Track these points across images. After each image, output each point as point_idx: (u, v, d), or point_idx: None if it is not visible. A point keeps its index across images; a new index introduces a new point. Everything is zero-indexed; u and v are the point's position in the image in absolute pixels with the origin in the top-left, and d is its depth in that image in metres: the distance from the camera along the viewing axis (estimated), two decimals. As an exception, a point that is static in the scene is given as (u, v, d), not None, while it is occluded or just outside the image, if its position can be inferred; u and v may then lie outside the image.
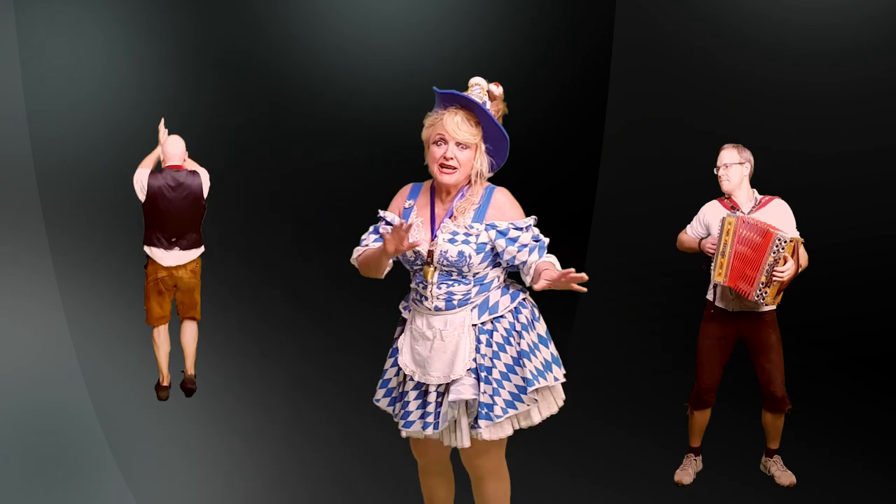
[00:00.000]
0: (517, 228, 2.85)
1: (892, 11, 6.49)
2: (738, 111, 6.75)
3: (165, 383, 5.23)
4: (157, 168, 5.22)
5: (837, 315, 6.20)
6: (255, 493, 4.13)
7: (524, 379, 2.90)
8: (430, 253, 2.85)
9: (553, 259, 2.89)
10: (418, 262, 2.88)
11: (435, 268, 2.85)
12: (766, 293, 3.78)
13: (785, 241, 3.73)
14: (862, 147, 6.59)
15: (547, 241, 2.90)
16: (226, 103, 8.46)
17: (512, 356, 2.92)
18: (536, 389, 2.93)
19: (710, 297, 4.14)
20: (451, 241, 2.84)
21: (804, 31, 6.69)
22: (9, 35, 7.36)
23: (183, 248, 5.13)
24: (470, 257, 2.82)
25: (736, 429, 4.73)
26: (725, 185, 4.09)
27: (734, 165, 4.07)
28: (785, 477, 4.20)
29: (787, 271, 3.71)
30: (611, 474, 4.33)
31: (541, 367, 2.94)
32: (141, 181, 5.11)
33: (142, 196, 5.11)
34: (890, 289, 6.33)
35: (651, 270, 6.56)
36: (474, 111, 2.81)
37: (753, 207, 4.05)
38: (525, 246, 2.84)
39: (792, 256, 3.74)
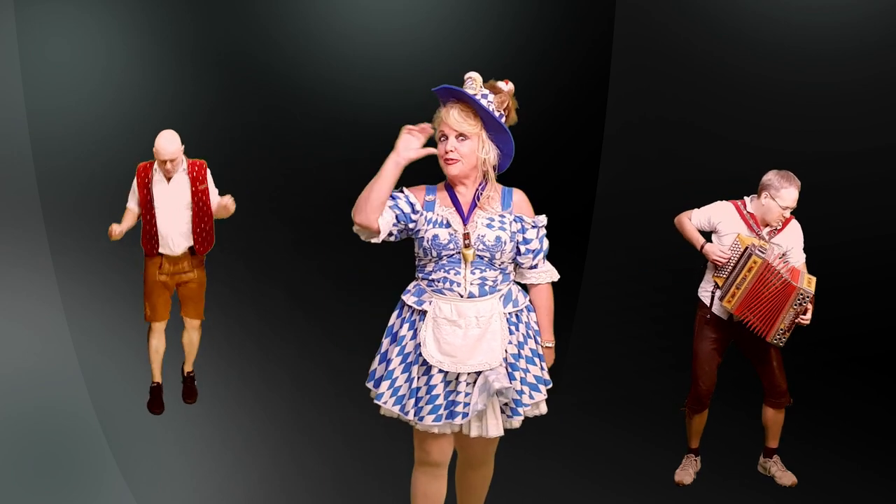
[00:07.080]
0: (534, 227, 2.96)
1: (891, 11, 6.49)
2: (738, 111, 6.75)
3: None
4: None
5: (837, 315, 6.18)
6: (255, 493, 4.12)
7: (542, 370, 3.01)
8: (467, 235, 2.87)
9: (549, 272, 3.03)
10: (451, 244, 2.87)
11: (474, 251, 2.87)
12: (785, 338, 3.87)
13: (808, 296, 3.80)
14: (862, 147, 6.59)
15: (547, 245, 3.03)
16: (226, 103, 8.46)
17: (531, 348, 3.00)
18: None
19: (705, 299, 4.09)
20: (489, 226, 2.89)
21: (804, 31, 6.69)
22: (9, 35, 7.36)
23: None
24: (505, 243, 2.89)
25: (735, 429, 4.73)
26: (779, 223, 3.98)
27: None
28: (786, 477, 4.19)
29: (809, 319, 3.87)
30: (611, 474, 4.33)
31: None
32: None
33: None
34: (890, 289, 6.33)
35: (651, 270, 6.56)
36: (470, 103, 2.84)
37: (774, 230, 4.00)
38: (539, 250, 2.98)
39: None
